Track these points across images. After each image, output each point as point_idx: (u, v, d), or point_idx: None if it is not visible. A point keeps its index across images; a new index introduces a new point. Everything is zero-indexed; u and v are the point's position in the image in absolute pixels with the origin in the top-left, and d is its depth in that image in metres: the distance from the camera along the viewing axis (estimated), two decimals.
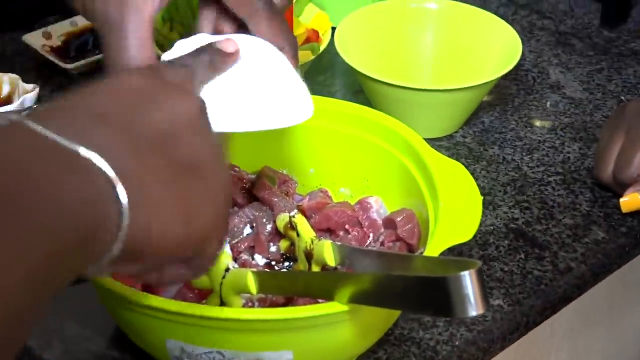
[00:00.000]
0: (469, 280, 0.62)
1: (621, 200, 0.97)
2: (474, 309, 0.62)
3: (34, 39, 1.19)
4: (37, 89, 1.08)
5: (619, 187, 0.98)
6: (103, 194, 0.50)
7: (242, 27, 0.75)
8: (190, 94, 0.60)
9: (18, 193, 0.45)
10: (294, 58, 0.74)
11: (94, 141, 0.50)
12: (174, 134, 0.56)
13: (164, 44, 1.07)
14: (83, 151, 0.49)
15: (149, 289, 0.80)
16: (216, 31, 0.75)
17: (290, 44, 0.75)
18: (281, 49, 0.72)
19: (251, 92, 0.67)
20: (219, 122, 0.63)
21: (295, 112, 0.69)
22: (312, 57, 1.04)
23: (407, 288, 0.66)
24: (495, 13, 1.16)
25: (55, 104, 0.53)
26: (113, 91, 0.56)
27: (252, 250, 0.87)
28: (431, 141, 1.05)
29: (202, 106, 0.59)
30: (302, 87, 0.70)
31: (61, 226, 0.46)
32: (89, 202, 0.48)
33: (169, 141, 0.56)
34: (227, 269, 0.78)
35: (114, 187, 0.50)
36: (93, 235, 0.49)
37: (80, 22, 1.22)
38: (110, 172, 0.50)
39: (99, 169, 0.50)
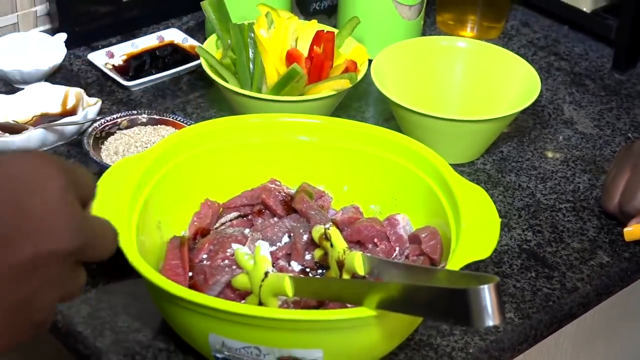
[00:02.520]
0: (487, 293, 0.62)
1: (625, 230, 0.97)
2: (491, 319, 0.63)
3: (98, 57, 1.21)
4: (100, 103, 1.09)
5: (624, 217, 0.98)
6: None
7: None
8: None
9: None
10: None
11: None
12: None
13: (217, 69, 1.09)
14: None
15: (195, 287, 0.81)
16: None
17: None
18: None
19: None
20: None
21: None
22: (350, 85, 1.06)
23: (430, 298, 0.66)
24: (517, 53, 1.16)
25: None
26: None
27: (289, 257, 0.87)
28: (454, 166, 1.05)
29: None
30: None
31: None
32: None
33: None
34: (267, 273, 0.79)
35: None
36: None
37: (140, 44, 1.24)
38: None
39: None
